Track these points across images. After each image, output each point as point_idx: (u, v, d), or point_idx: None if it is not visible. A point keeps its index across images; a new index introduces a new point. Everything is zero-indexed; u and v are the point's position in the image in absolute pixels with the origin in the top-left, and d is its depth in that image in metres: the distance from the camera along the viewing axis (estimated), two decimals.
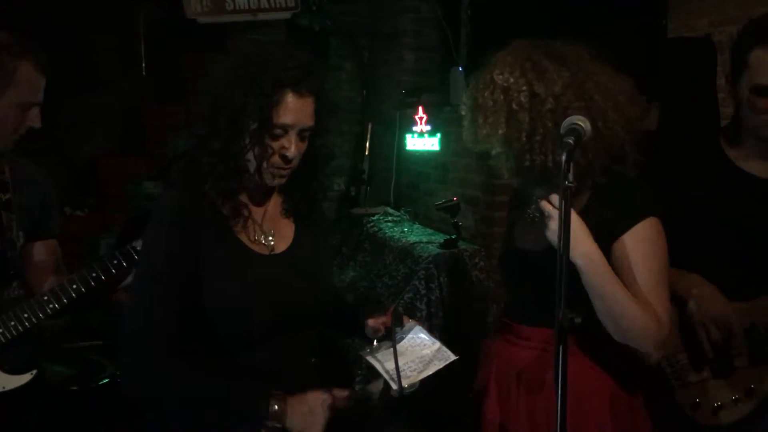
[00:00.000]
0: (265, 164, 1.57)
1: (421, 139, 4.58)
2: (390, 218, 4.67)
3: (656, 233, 1.64)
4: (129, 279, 2.07)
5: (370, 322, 1.75)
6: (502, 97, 1.63)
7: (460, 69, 4.18)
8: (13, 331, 2.01)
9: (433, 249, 3.80)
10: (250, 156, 1.56)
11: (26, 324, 2.02)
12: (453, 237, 3.85)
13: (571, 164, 1.36)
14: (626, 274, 1.62)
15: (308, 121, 1.58)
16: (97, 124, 5.14)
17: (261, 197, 1.68)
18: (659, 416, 1.87)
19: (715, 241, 1.93)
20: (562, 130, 1.47)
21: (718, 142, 2.01)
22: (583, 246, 1.56)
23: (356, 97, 5.53)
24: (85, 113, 5.03)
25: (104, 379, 2.41)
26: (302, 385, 1.59)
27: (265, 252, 1.65)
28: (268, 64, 1.54)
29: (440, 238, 4.00)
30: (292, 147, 1.56)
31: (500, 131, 1.64)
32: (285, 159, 1.57)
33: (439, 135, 4.50)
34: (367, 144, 5.31)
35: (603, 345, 1.69)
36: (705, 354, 1.91)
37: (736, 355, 1.91)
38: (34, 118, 2.02)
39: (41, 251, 2.21)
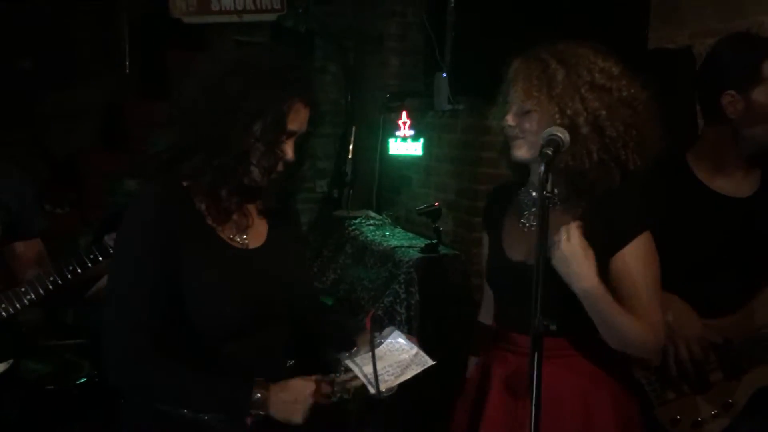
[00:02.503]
0: (267, 164, 1.60)
1: (404, 144, 4.60)
2: (372, 221, 4.69)
3: (651, 247, 1.68)
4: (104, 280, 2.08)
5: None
6: (609, 85, 1.63)
7: (444, 75, 4.20)
8: None
9: (414, 253, 3.82)
10: (263, 161, 1.58)
11: (3, 314, 2.06)
12: (434, 242, 3.87)
13: (549, 175, 1.38)
14: (626, 287, 1.66)
15: (305, 128, 1.65)
16: (79, 119, 5.11)
17: (242, 196, 1.69)
18: None
19: (685, 261, 1.94)
20: (541, 141, 1.49)
21: (685, 160, 2.03)
22: (586, 281, 1.58)
23: (341, 100, 5.54)
24: (67, 108, 5.00)
25: (81, 378, 2.40)
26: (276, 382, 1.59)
27: (240, 247, 1.67)
28: (278, 72, 1.58)
29: (421, 242, 4.03)
30: (290, 152, 1.62)
31: (600, 112, 1.62)
32: (285, 164, 1.62)
33: (422, 140, 4.52)
34: (351, 147, 5.32)
35: (593, 352, 1.72)
36: (670, 371, 1.94)
37: (711, 371, 1.94)
38: None
39: (23, 248, 2.24)
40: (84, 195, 4.98)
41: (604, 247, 1.64)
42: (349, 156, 5.30)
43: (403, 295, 3.61)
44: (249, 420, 1.54)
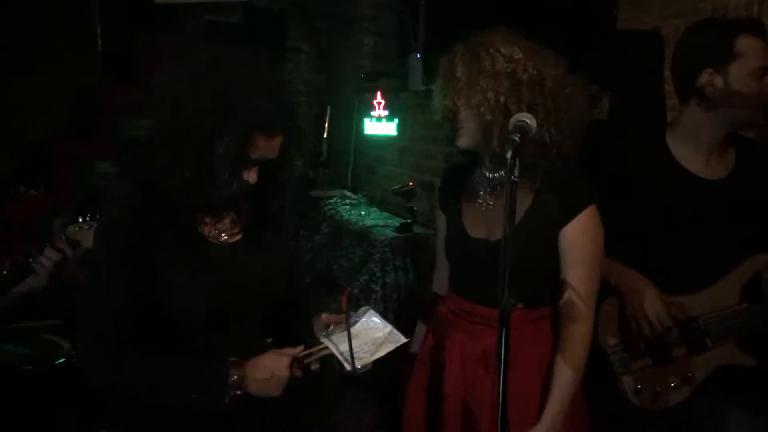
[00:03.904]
0: (227, 189, 1.61)
1: (379, 124, 4.63)
2: (347, 201, 4.73)
3: (596, 220, 1.79)
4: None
5: (323, 317, 1.80)
6: (509, 67, 1.71)
7: (418, 55, 4.23)
8: None
9: (389, 232, 3.87)
10: (226, 183, 1.59)
11: None
12: (409, 221, 3.92)
13: (517, 160, 1.42)
14: (570, 258, 1.79)
15: (273, 155, 1.63)
16: (49, 101, 5.06)
17: (210, 204, 1.68)
18: (602, 400, 1.97)
19: (658, 239, 2.01)
20: (510, 127, 1.53)
21: (664, 140, 2.07)
22: None
23: (315, 80, 5.54)
24: (37, 90, 4.94)
25: (60, 358, 2.40)
26: None
27: (216, 242, 1.70)
28: (241, 99, 1.53)
29: (396, 221, 4.08)
30: (253, 176, 1.62)
31: (501, 98, 1.70)
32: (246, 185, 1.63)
33: (396, 120, 4.56)
34: (326, 126, 5.34)
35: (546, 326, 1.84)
36: (638, 346, 2.01)
37: (674, 346, 2.01)
38: None
39: None
40: (56, 178, 4.95)
41: (554, 221, 1.77)
42: (324, 136, 5.31)
43: (378, 274, 3.67)
44: (227, 399, 1.59)
